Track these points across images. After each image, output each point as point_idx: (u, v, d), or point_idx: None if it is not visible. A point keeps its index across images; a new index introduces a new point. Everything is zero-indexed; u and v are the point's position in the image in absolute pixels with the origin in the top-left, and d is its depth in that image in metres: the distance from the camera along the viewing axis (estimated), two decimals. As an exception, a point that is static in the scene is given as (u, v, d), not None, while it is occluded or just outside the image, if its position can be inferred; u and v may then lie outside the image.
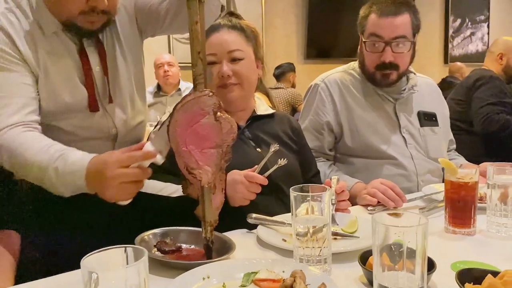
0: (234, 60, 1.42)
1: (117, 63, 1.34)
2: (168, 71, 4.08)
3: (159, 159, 1.03)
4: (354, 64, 1.87)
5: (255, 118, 1.51)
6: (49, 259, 1.25)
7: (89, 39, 1.27)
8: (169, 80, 4.09)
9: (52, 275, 1.00)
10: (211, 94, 1.00)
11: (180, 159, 1.02)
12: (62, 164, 1.07)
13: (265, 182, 1.24)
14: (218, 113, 1.01)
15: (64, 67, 1.24)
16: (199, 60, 1.01)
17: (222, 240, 1.11)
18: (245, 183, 1.23)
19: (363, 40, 1.73)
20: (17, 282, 1.11)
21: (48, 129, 1.24)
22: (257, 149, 1.45)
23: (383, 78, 1.74)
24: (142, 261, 0.62)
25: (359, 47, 1.80)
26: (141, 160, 1.01)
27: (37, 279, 1.00)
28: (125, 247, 0.65)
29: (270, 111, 1.56)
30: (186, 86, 4.17)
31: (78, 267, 0.94)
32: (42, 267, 1.24)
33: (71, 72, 1.25)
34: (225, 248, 1.07)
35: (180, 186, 1.23)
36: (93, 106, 1.28)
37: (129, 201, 1.06)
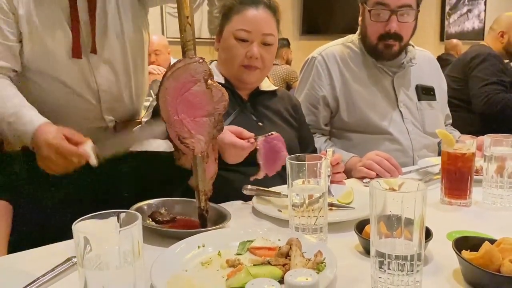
0: (265, 43, 1.39)
1: (107, 17, 1.31)
2: (154, 61, 3.72)
3: (94, 163, 1.06)
4: (353, 37, 1.84)
5: (258, 93, 1.50)
6: (42, 229, 1.24)
7: None
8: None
9: (44, 245, 0.99)
10: (201, 60, 0.97)
11: (171, 129, 1.00)
12: (15, 121, 1.13)
13: (251, 135, 1.19)
14: (209, 81, 0.98)
15: (51, 8, 1.22)
16: (187, 25, 0.97)
17: (217, 210, 1.10)
18: (233, 144, 1.17)
19: (368, 9, 1.68)
20: (10, 251, 1.10)
21: (34, 86, 1.26)
22: (259, 123, 1.44)
23: (385, 49, 1.70)
24: (135, 225, 0.60)
25: (360, 18, 1.77)
26: (69, 156, 1.05)
27: (29, 248, 0.99)
28: (118, 212, 0.64)
29: (273, 87, 1.56)
30: None
31: (70, 237, 0.94)
32: (34, 237, 1.22)
33: (58, 15, 1.24)
34: (221, 218, 1.06)
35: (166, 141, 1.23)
36: (76, 51, 1.25)
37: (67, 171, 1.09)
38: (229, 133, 1.17)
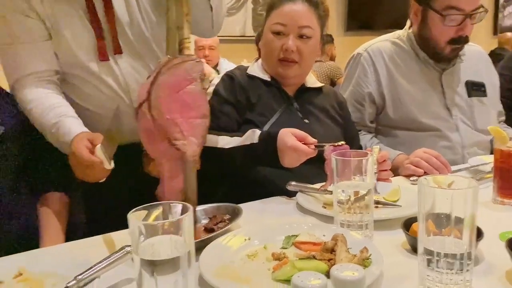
0: (302, 36, 1.39)
1: (127, 13, 1.25)
2: (208, 55, 3.79)
3: (108, 166, 1.03)
4: (400, 33, 1.80)
5: (304, 90, 1.50)
6: (95, 219, 1.30)
7: None
8: (209, 64, 3.79)
9: (97, 234, 1.04)
10: (198, 60, 0.94)
11: (161, 129, 0.93)
12: (56, 132, 1.14)
13: (315, 142, 1.17)
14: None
15: (71, 13, 1.20)
16: (186, 23, 0.95)
17: (230, 208, 1.09)
18: (295, 148, 1.16)
19: (441, 13, 1.60)
20: (66, 240, 1.17)
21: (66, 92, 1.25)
22: (305, 120, 1.44)
23: (452, 52, 1.66)
24: (186, 216, 0.63)
25: (413, 16, 1.71)
26: (85, 162, 1.02)
27: (83, 237, 1.05)
28: (170, 202, 0.67)
29: (318, 84, 1.56)
30: (227, 67, 3.65)
31: (121, 227, 0.98)
32: (88, 227, 1.29)
33: (78, 14, 1.20)
34: (234, 213, 1.05)
35: (233, 138, 1.24)
36: (102, 53, 1.22)
37: (101, 179, 1.08)
38: (293, 137, 1.17)
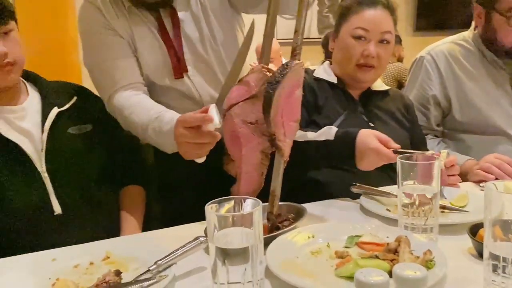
0: (382, 41, 1.41)
1: (196, 27, 1.33)
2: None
3: (217, 123, 1.01)
4: (464, 34, 1.76)
5: (370, 93, 1.51)
6: (165, 211, 1.40)
7: (164, 8, 1.31)
8: None
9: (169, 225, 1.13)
10: (303, 66, 0.99)
11: (269, 127, 0.98)
12: (158, 125, 1.18)
13: (398, 147, 1.15)
14: None
15: (146, 33, 1.30)
16: (303, 29, 0.98)
17: (294, 208, 1.12)
18: (378, 151, 1.14)
19: (506, 14, 1.55)
20: (143, 230, 1.27)
21: None
22: (370, 123, 1.44)
23: None
24: (257, 210, 0.68)
25: (477, 18, 1.67)
26: (199, 122, 1.01)
27: (158, 228, 1.14)
28: (242, 197, 0.73)
29: (385, 87, 1.55)
30: None
31: (196, 219, 1.05)
32: (163, 219, 1.39)
33: (153, 35, 1.30)
34: (298, 213, 1.08)
35: (306, 132, 1.25)
36: (177, 71, 1.30)
37: (202, 159, 1.07)
38: (376, 140, 1.15)
